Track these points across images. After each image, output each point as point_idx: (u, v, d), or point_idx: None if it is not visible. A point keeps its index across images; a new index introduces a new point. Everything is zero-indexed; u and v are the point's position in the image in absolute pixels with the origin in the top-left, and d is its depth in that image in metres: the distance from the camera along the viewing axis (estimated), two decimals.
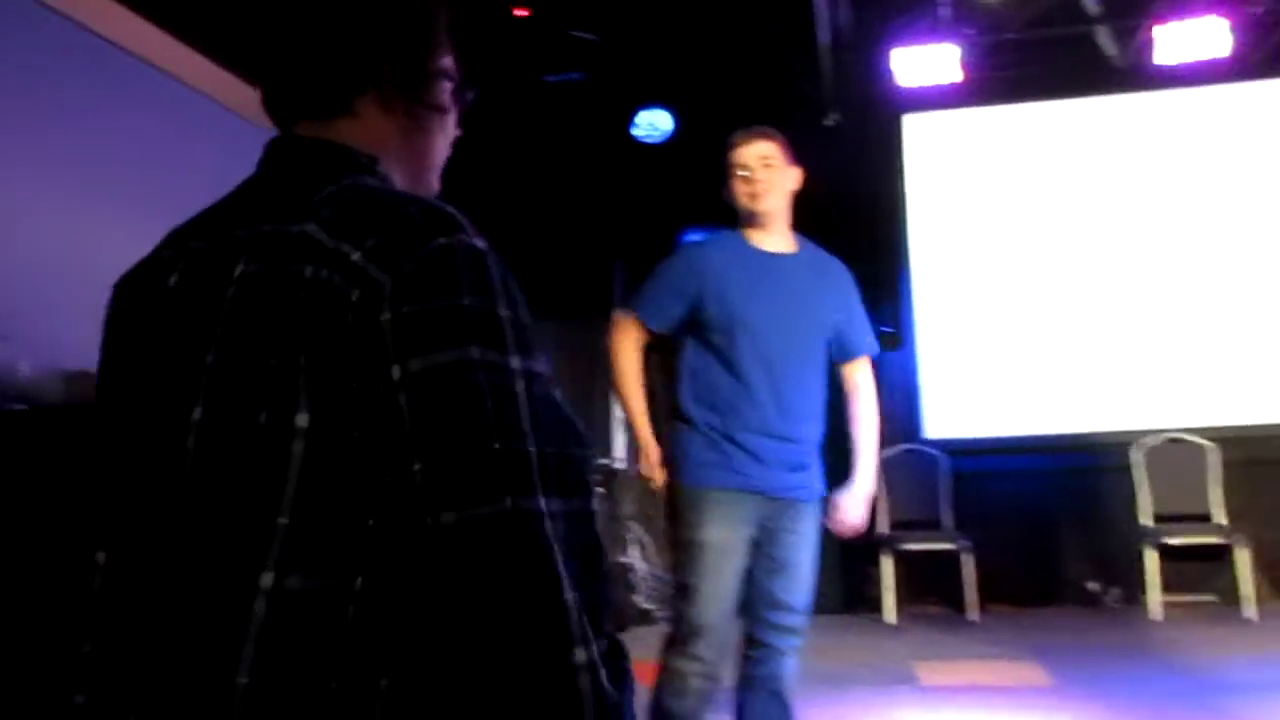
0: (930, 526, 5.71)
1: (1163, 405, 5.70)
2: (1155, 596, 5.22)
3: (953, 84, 5.86)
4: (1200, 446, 5.53)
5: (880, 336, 6.58)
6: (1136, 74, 5.77)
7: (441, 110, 1.04)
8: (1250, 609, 5.06)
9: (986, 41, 5.85)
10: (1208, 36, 5.46)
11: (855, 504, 2.54)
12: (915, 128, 6.27)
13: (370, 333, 0.80)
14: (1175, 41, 5.52)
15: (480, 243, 0.87)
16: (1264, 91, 5.84)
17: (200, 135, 3.88)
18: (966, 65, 5.78)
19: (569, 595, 0.78)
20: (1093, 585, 5.65)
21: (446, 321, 0.81)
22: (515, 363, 0.84)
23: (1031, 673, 4.09)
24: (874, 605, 5.59)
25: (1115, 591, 5.59)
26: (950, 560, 5.50)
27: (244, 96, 4.18)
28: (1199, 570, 5.52)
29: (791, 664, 2.46)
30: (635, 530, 6.27)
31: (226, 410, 0.82)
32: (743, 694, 2.46)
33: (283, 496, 0.79)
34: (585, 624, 0.79)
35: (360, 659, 0.79)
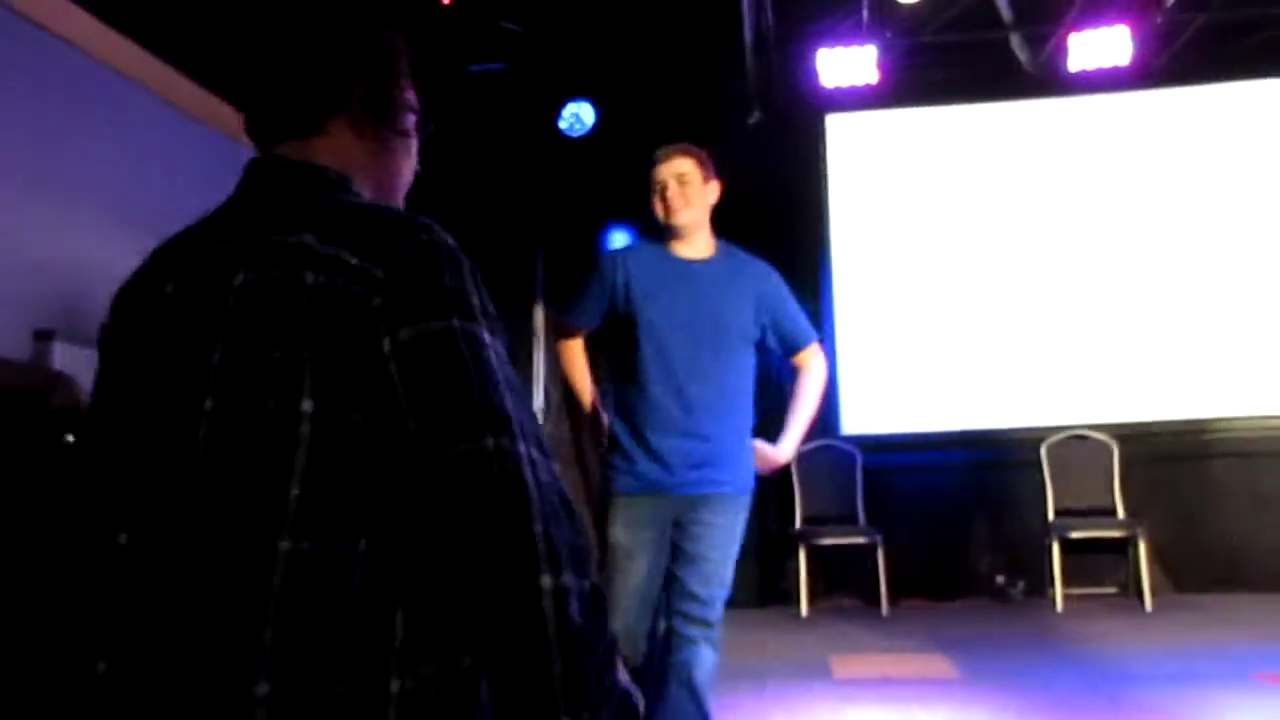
0: (844, 521, 5.78)
1: (1070, 403, 5.88)
2: (1059, 589, 5.38)
3: (874, 85, 5.94)
4: (1103, 443, 5.71)
5: None
6: (1047, 80, 5.92)
7: (406, 136, 1.18)
8: (1148, 601, 5.26)
9: (904, 44, 5.94)
10: (1111, 45, 5.64)
11: (775, 454, 2.69)
12: (838, 127, 6.34)
13: (364, 318, 0.92)
14: (1083, 49, 5.69)
15: (452, 241, 1.01)
16: (1162, 98, 6.06)
17: (160, 141, 3.75)
18: (884, 67, 5.86)
19: (538, 527, 0.88)
20: (1000, 579, 5.80)
21: (430, 298, 0.94)
22: (487, 338, 0.96)
23: (940, 665, 4.16)
24: (788, 599, 5.65)
25: (1021, 584, 5.74)
26: (863, 554, 5.58)
27: (211, 108, 4.04)
28: (1100, 563, 5.72)
29: (704, 654, 2.48)
30: None
31: (236, 400, 0.92)
32: (657, 684, 2.46)
33: (293, 472, 0.89)
34: (556, 555, 0.87)
35: (368, 616, 0.88)
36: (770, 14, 5.94)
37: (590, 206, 6.31)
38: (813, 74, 5.95)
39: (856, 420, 6.04)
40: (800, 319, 2.75)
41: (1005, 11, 5.77)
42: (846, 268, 6.20)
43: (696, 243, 2.64)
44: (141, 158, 3.65)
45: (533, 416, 0.96)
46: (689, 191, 2.59)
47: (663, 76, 6.06)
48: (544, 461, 0.93)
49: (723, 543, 2.52)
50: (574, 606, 0.87)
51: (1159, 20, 5.64)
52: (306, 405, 0.90)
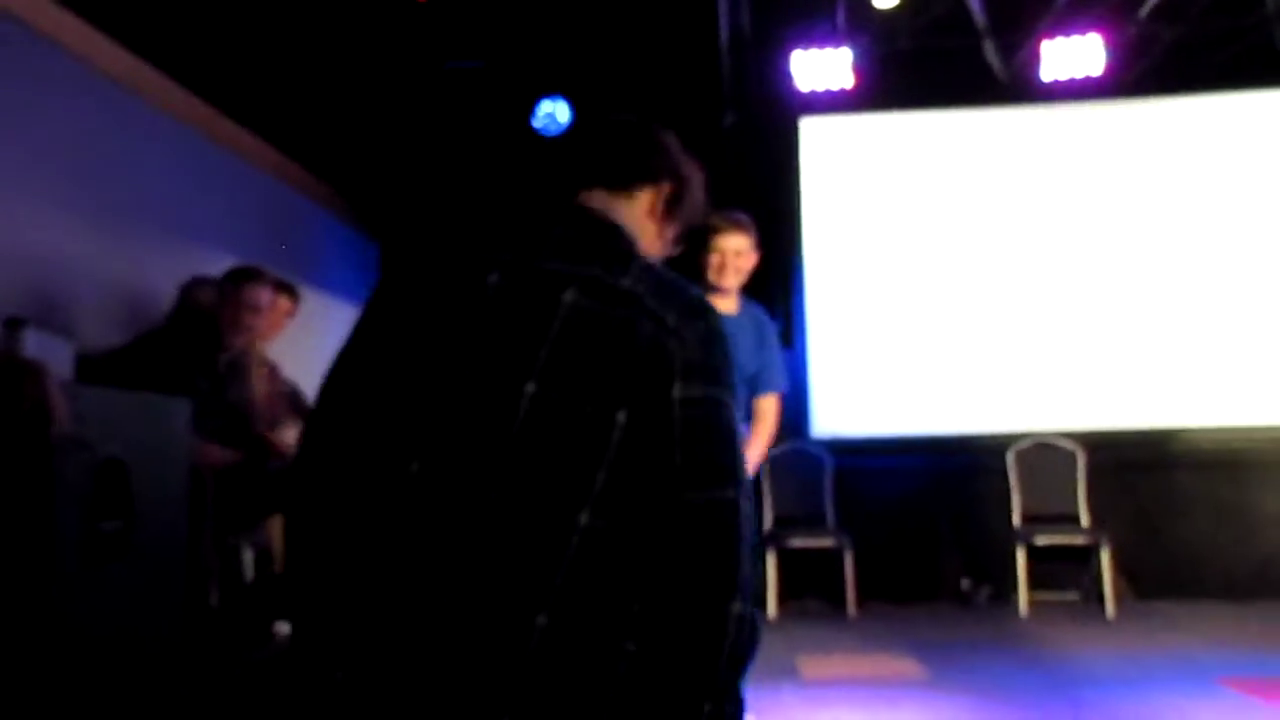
0: (813, 524, 5.79)
1: (1037, 410, 5.92)
2: (1024, 595, 5.41)
3: (848, 89, 5.96)
4: (1069, 450, 5.76)
5: None
6: (1020, 88, 5.97)
7: (674, 230, 1.49)
8: (1110, 608, 5.31)
9: (880, 49, 5.97)
10: (1084, 55, 5.71)
11: None
12: (812, 130, 6.35)
13: (669, 368, 1.20)
14: (1055, 58, 5.75)
15: (719, 325, 1.30)
16: (1134, 109, 6.14)
17: (129, 131, 3.68)
18: (860, 71, 5.89)
19: (744, 567, 1.18)
20: (966, 583, 5.83)
21: (707, 371, 1.23)
22: (731, 403, 1.25)
23: (908, 667, 4.17)
24: (756, 601, 5.63)
25: (986, 589, 5.78)
26: (831, 557, 5.59)
27: (180, 101, 3.97)
28: (1064, 570, 5.76)
29: None
30: None
31: (560, 394, 1.17)
32: None
33: (602, 463, 1.15)
34: (745, 588, 1.17)
35: (622, 586, 1.16)
36: (746, 15, 5.94)
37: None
38: (788, 76, 5.96)
39: (827, 423, 6.05)
40: (774, 369, 3.13)
41: (979, 18, 5.81)
42: (819, 271, 6.22)
43: (729, 299, 3.10)
44: (110, 148, 3.58)
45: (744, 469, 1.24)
46: (741, 263, 3.08)
47: (638, 76, 6.04)
48: (750, 510, 1.21)
49: None
50: (745, 628, 1.17)
51: (1132, 31, 5.71)
52: (621, 417, 1.17)
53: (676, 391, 1.20)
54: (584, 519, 1.13)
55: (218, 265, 3.58)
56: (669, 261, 1.49)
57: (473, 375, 1.18)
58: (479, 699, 1.09)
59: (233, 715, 2.60)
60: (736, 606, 1.16)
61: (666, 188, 1.45)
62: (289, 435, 3.57)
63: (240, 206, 4.49)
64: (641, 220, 1.42)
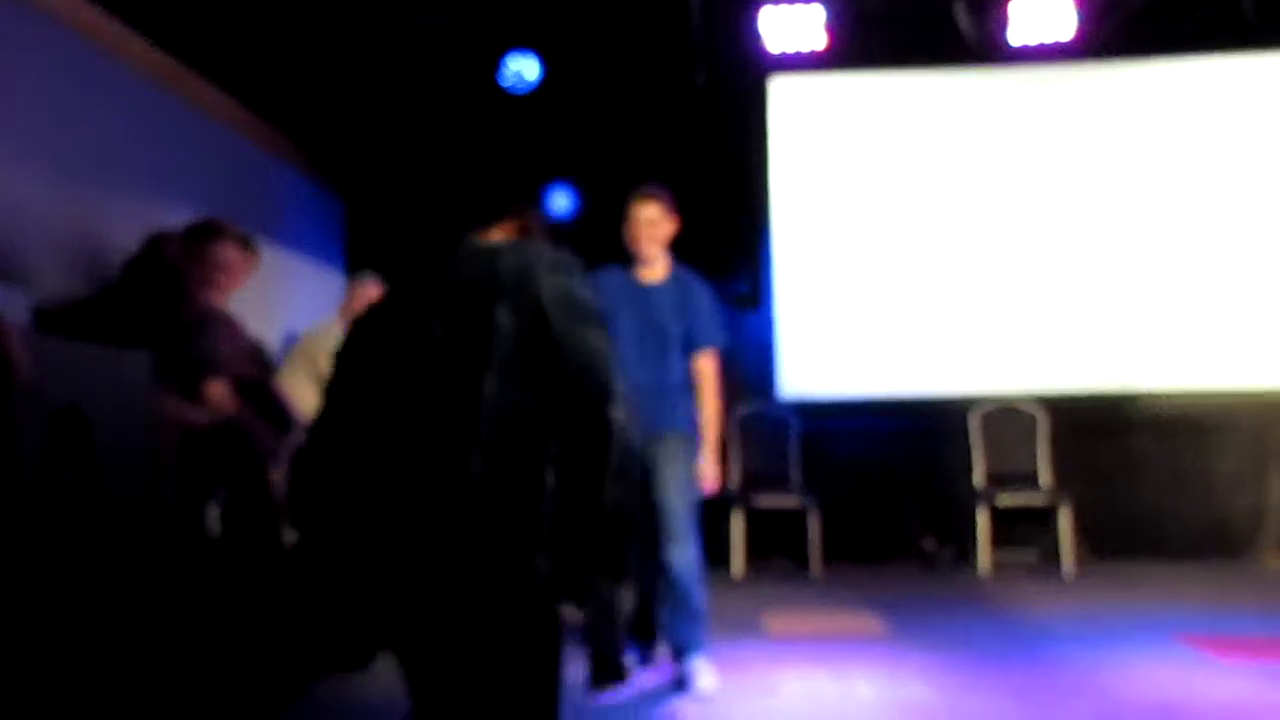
0: (779, 484, 5.83)
1: (1000, 373, 5.99)
2: (985, 554, 5.50)
3: (819, 49, 5.93)
4: (1030, 413, 5.84)
5: (738, 297, 6.63)
6: (990, 50, 5.96)
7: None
8: (1069, 567, 5.41)
9: (851, 8, 5.92)
10: (1055, 18, 5.70)
11: (707, 476, 3.40)
12: (781, 90, 6.31)
13: (535, 286, 1.76)
14: (1025, 21, 5.74)
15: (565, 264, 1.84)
16: (1103, 72, 6.15)
17: (94, 89, 3.57)
18: (831, 30, 5.85)
19: (616, 383, 1.69)
20: (928, 543, 5.91)
21: (557, 276, 1.78)
22: (577, 290, 1.78)
23: (870, 624, 4.23)
24: (722, 561, 5.69)
25: (949, 549, 5.87)
26: (797, 518, 5.64)
27: (146, 58, 3.85)
28: (1025, 530, 5.86)
29: None
30: None
31: (459, 316, 1.77)
32: None
33: (493, 350, 1.70)
34: (623, 406, 1.67)
35: (537, 433, 1.65)
36: None
37: (533, 166, 6.20)
38: (756, 35, 5.91)
39: (794, 384, 6.08)
40: (705, 327, 3.39)
41: None
42: (787, 232, 6.21)
43: (654, 268, 3.40)
44: (67, 100, 3.49)
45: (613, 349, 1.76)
46: (655, 231, 3.38)
47: (607, 32, 5.96)
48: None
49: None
50: (623, 429, 1.67)
51: None
52: (502, 319, 1.74)
53: (545, 294, 1.73)
54: (487, 389, 1.64)
55: (177, 219, 3.50)
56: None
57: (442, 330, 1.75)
58: (442, 529, 1.59)
59: (198, 671, 2.58)
60: (617, 413, 1.66)
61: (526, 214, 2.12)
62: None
63: (202, 160, 4.39)
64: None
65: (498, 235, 2.04)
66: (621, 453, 1.64)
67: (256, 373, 3.74)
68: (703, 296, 3.44)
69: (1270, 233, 5.98)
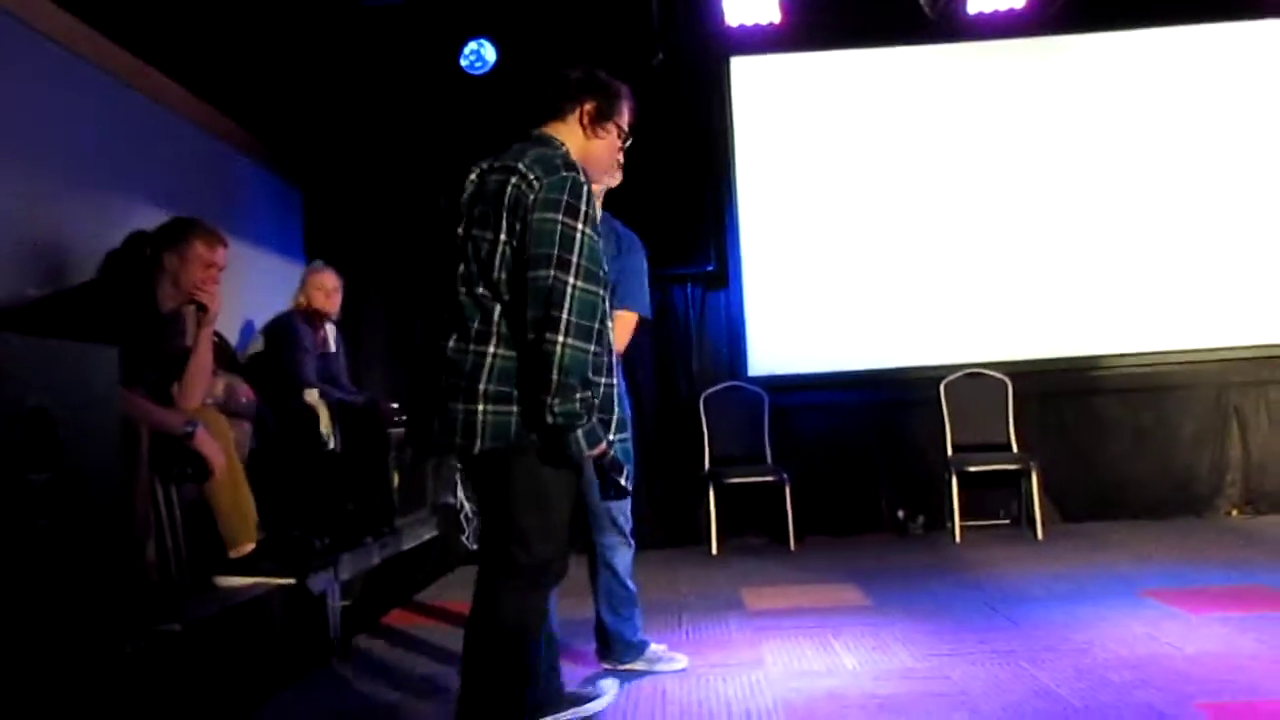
0: (752, 460, 5.86)
1: (966, 342, 6.06)
2: (957, 521, 5.58)
3: (777, 27, 5.92)
4: (998, 380, 5.92)
5: (706, 276, 6.60)
6: (946, 24, 5.98)
7: (605, 138, 2.42)
8: (1040, 530, 5.50)
9: None
10: None
11: None
12: (742, 71, 6.30)
13: (529, 202, 2.14)
14: None
15: (582, 178, 2.18)
16: (1057, 45, 6.22)
17: (47, 78, 3.47)
18: (786, 7, 5.85)
19: (567, 316, 2.07)
20: (901, 513, 5.98)
21: (557, 202, 2.13)
22: (581, 228, 2.13)
23: (850, 595, 4.27)
24: (698, 538, 5.72)
25: (921, 519, 5.94)
26: (770, 493, 5.67)
27: (98, 47, 3.75)
28: (995, 496, 5.95)
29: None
30: (461, 470, 6.10)
31: (479, 226, 2.22)
32: None
33: (500, 261, 2.19)
34: (571, 326, 2.07)
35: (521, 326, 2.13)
36: None
37: (492, 150, 6.12)
38: (717, 13, 5.89)
39: (763, 362, 6.11)
40: (632, 288, 3.11)
41: None
42: (751, 212, 6.21)
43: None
44: (26, 94, 3.40)
45: (590, 266, 2.12)
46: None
47: (565, 13, 5.90)
48: (585, 288, 2.11)
49: None
50: (570, 354, 2.07)
51: None
52: (503, 236, 2.17)
53: (533, 216, 2.12)
54: (479, 290, 2.18)
55: (135, 211, 3.42)
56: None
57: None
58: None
59: (169, 672, 2.54)
60: (557, 337, 2.05)
61: (589, 106, 2.37)
62: (217, 387, 3.46)
63: (159, 152, 4.29)
64: (572, 133, 2.37)
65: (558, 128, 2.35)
66: (561, 371, 2.07)
67: (223, 367, 3.69)
68: (639, 259, 3.16)
69: (1224, 197, 6.10)
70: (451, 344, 2.18)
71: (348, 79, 5.63)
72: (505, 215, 2.14)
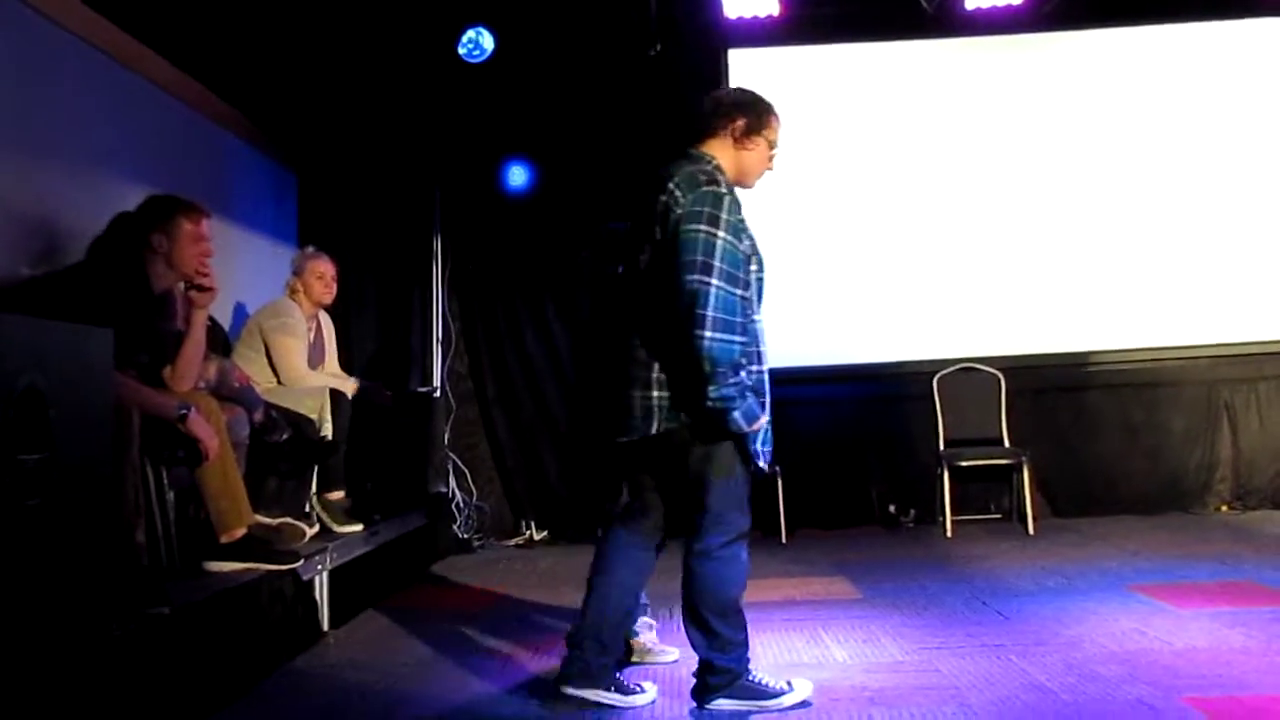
0: None
1: (959, 337, 6.06)
2: (948, 516, 5.59)
3: (776, 19, 5.91)
4: (990, 375, 5.93)
5: None
6: (945, 18, 5.98)
7: (755, 150, 2.75)
8: (1030, 525, 5.52)
9: None
10: None
11: None
12: (741, 63, 6.29)
13: (676, 215, 2.52)
14: None
15: (723, 189, 2.55)
16: (1055, 41, 6.22)
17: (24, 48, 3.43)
18: (785, 0, 5.83)
19: (712, 314, 2.43)
20: (893, 507, 5.99)
21: (699, 214, 2.50)
22: (721, 235, 2.48)
23: (842, 587, 4.28)
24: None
25: (913, 513, 5.95)
26: (762, 485, 5.66)
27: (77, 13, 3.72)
28: (986, 491, 5.97)
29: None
30: (454, 459, 6.11)
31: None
32: None
33: (656, 273, 2.60)
34: (716, 322, 2.42)
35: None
36: None
37: (489, 139, 6.12)
38: (716, 5, 5.88)
39: None
40: None
41: None
42: (746, 205, 6.18)
43: None
44: (15, 72, 3.36)
45: (729, 269, 2.46)
46: None
47: (564, 2, 5.88)
48: (725, 288, 2.43)
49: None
50: (715, 345, 2.42)
51: None
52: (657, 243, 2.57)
53: (677, 228, 2.46)
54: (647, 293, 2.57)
55: (127, 192, 3.40)
56: None
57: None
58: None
59: (157, 657, 2.53)
60: (704, 332, 2.40)
61: (739, 122, 2.70)
62: (209, 370, 3.44)
63: (152, 133, 4.26)
64: (724, 149, 2.70)
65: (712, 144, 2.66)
66: (712, 362, 2.44)
67: (216, 351, 3.67)
68: None
69: (1217, 195, 6.12)
70: (631, 339, 2.57)
71: (345, 64, 5.60)
72: (656, 227, 2.52)
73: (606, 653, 2.74)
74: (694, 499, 2.60)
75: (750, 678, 2.70)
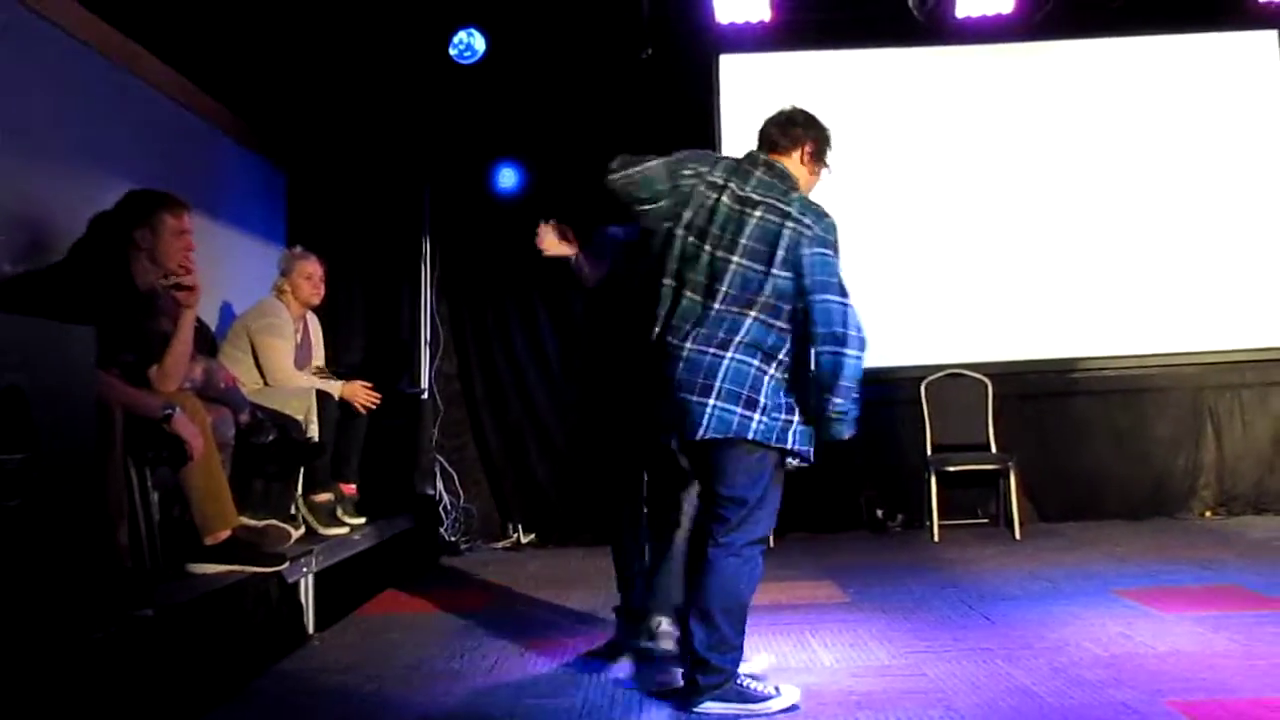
0: None
1: (948, 344, 6.08)
2: (936, 520, 5.60)
3: (767, 24, 5.92)
4: (978, 381, 5.95)
5: None
6: (935, 27, 5.99)
7: (816, 175, 2.90)
8: (1016, 529, 5.54)
9: None
10: None
11: None
12: (731, 68, 6.30)
13: (806, 241, 2.65)
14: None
15: (832, 220, 2.72)
16: (1043, 51, 6.26)
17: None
18: (777, 5, 5.84)
19: (853, 332, 2.63)
20: (880, 512, 6.00)
21: (831, 242, 2.67)
22: (837, 258, 2.68)
23: (829, 591, 4.29)
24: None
25: (900, 517, 5.96)
26: None
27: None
28: (973, 495, 5.99)
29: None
30: (441, 462, 6.09)
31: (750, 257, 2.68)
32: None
33: (775, 295, 2.69)
34: (855, 341, 2.62)
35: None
36: None
37: (479, 140, 6.11)
38: (708, 10, 5.88)
39: None
40: None
41: None
42: None
43: None
44: (4, 70, 3.33)
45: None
46: None
47: (555, 4, 5.87)
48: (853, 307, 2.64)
49: None
50: (847, 360, 2.60)
51: None
52: (776, 265, 2.64)
53: (802, 248, 2.62)
54: (732, 307, 2.67)
55: (113, 190, 3.36)
56: None
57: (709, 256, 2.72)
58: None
59: (140, 659, 2.51)
60: (846, 349, 2.58)
61: (808, 147, 2.83)
62: (195, 371, 3.41)
63: (139, 130, 4.22)
64: (799, 168, 2.82)
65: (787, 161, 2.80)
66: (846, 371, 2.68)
67: (203, 352, 3.64)
68: None
69: (1204, 205, 6.16)
70: (690, 345, 2.63)
71: (336, 63, 5.59)
72: (782, 254, 2.62)
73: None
74: (735, 497, 2.67)
75: (739, 682, 2.71)
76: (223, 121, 5.05)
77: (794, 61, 6.32)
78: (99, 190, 3.51)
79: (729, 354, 2.62)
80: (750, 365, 2.62)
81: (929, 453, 5.84)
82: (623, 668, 3.14)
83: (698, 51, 6.20)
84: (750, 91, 6.30)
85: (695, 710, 2.67)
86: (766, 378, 2.64)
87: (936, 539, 5.54)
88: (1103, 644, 3.22)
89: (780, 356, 2.66)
